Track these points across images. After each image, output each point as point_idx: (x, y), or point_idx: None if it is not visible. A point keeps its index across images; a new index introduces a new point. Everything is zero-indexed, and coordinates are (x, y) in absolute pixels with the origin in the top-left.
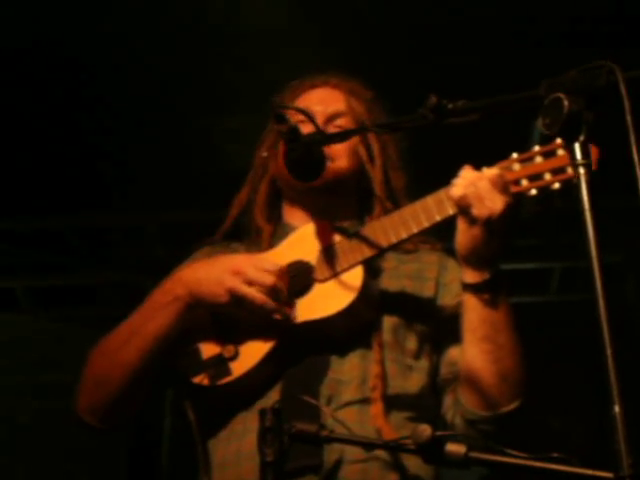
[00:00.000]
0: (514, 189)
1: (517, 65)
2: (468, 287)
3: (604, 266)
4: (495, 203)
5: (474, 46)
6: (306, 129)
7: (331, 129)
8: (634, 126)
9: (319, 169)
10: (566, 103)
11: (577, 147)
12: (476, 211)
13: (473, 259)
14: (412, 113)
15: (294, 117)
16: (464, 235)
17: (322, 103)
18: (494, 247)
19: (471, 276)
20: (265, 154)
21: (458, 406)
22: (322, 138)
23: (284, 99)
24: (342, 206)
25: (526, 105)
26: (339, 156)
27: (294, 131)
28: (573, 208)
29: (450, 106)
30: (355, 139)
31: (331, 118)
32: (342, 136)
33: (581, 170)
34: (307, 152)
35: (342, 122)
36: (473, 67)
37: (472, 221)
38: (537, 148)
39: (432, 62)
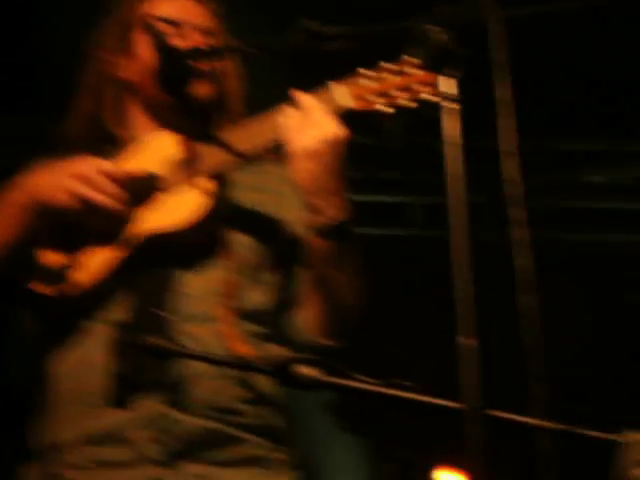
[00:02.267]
0: (361, 105)
1: None
2: (313, 229)
3: (466, 205)
4: (326, 129)
5: None
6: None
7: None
8: (503, 63)
9: (187, 83)
10: (434, 36)
11: (443, 80)
12: (301, 140)
13: (314, 195)
14: (283, 35)
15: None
16: (298, 169)
17: (192, 15)
18: (329, 180)
19: (315, 217)
20: (110, 59)
21: (295, 329)
22: (195, 53)
23: (123, 2)
24: (202, 121)
25: (398, 36)
26: (213, 79)
27: (165, 44)
28: (439, 144)
29: (321, 31)
30: (227, 62)
31: (205, 33)
32: (215, 52)
33: (446, 103)
34: (177, 65)
35: (207, 39)
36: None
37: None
38: (386, 64)
39: None
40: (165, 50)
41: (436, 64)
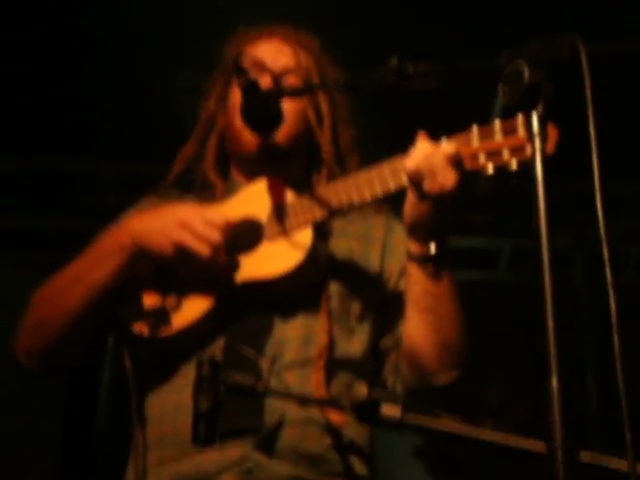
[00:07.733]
0: (471, 164)
1: (482, 33)
2: (413, 258)
3: (554, 250)
4: (447, 180)
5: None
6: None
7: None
8: (593, 103)
9: (276, 123)
10: (527, 73)
11: (535, 118)
12: (427, 186)
13: (420, 232)
14: (372, 72)
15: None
16: (413, 208)
17: (270, 58)
18: (442, 223)
19: (416, 248)
20: (213, 107)
21: (399, 374)
22: (281, 92)
23: (229, 50)
24: (291, 167)
25: (487, 73)
26: (290, 119)
27: (253, 85)
28: (527, 186)
29: (411, 69)
30: (304, 99)
31: (280, 74)
32: (300, 92)
33: (537, 141)
34: (265, 106)
35: (290, 80)
36: (439, 33)
37: (422, 195)
38: (498, 123)
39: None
40: (247, 92)
41: (528, 102)
